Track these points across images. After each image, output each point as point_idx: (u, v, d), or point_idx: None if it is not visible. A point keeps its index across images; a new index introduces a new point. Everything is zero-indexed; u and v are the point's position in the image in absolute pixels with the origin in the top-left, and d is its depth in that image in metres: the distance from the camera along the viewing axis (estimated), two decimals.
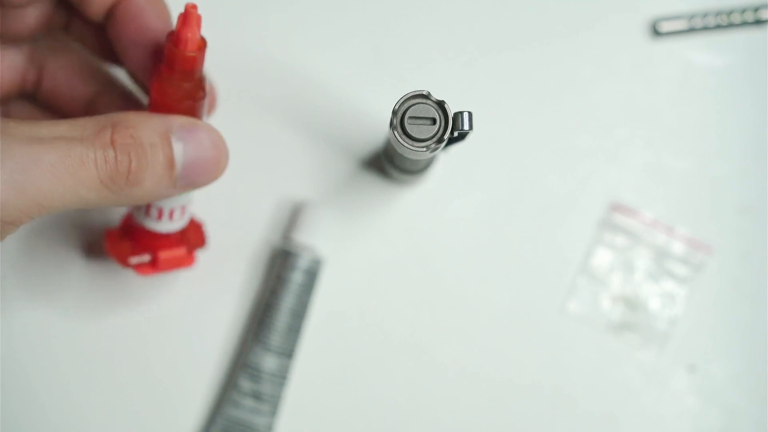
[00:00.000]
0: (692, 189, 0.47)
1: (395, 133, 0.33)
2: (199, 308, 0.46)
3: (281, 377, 0.45)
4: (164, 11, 0.37)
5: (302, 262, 0.45)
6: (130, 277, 0.45)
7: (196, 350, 0.46)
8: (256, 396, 0.44)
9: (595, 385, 0.46)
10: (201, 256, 0.45)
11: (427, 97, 0.33)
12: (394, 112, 0.33)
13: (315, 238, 0.45)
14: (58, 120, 0.32)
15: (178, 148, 0.34)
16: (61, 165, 0.31)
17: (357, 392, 0.46)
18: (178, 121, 0.34)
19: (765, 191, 0.47)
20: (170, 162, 0.34)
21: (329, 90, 0.46)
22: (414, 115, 0.33)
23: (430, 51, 0.47)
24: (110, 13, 0.37)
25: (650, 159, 0.47)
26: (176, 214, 0.39)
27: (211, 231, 0.44)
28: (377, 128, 0.46)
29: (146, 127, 0.33)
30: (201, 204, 0.44)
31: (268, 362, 0.45)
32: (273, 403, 0.45)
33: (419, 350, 0.46)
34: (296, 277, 0.45)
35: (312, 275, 0.45)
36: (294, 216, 0.45)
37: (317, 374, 0.46)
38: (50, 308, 0.45)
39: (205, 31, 0.35)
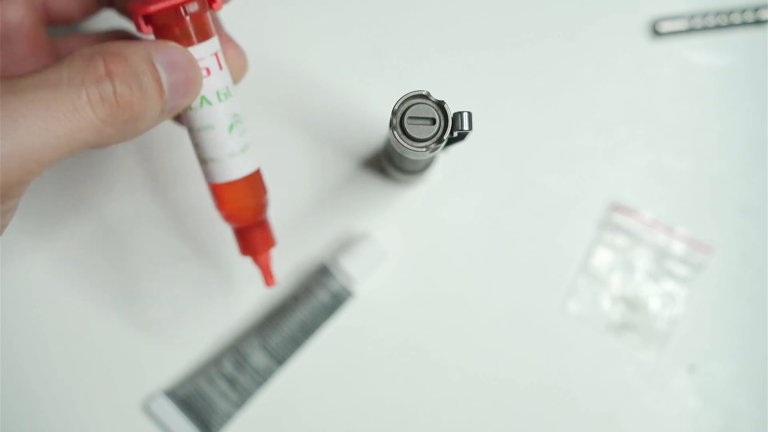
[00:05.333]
0: (692, 189, 0.47)
1: (395, 133, 0.33)
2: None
3: (262, 377, 0.45)
4: None
5: (334, 285, 0.45)
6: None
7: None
8: (232, 382, 0.44)
9: (595, 385, 0.46)
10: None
11: (426, 97, 0.33)
12: (394, 113, 0.33)
13: (359, 272, 0.45)
14: (44, 66, 0.30)
15: (162, 72, 0.33)
16: (49, 117, 0.29)
17: (356, 391, 0.46)
18: (153, 44, 0.33)
19: (765, 191, 0.47)
20: (160, 87, 0.32)
21: (329, 90, 0.46)
22: (414, 115, 0.33)
23: (431, 51, 0.47)
24: None
25: (650, 159, 0.47)
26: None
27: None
28: (377, 128, 0.46)
29: (133, 53, 0.32)
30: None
31: (258, 358, 0.44)
32: (243, 396, 0.45)
33: (419, 350, 0.46)
34: (322, 296, 0.45)
35: (337, 301, 0.45)
36: (351, 243, 0.45)
37: (317, 369, 0.46)
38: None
39: None
